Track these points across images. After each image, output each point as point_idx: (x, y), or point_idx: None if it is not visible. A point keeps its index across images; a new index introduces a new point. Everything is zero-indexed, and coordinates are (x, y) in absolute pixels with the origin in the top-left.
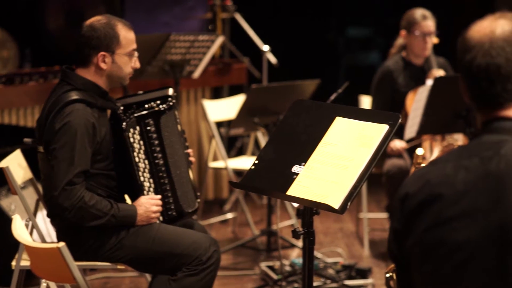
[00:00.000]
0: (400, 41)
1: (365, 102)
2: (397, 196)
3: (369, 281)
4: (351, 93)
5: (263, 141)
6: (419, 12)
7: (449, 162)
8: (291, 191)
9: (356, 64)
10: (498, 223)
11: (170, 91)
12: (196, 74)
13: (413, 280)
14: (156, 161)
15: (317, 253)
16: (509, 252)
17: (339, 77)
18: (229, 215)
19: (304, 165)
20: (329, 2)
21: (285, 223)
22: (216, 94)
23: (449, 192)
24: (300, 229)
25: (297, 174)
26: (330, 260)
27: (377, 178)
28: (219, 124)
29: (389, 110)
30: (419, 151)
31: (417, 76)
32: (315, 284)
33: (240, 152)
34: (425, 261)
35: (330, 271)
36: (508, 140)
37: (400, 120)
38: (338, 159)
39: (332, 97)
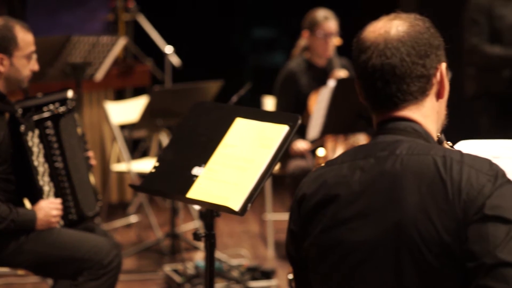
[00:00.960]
0: (302, 42)
1: (270, 103)
2: (295, 198)
3: (273, 282)
4: (257, 94)
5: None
6: (321, 13)
7: (345, 163)
8: (191, 194)
9: (261, 65)
10: (394, 223)
11: (70, 94)
12: (99, 76)
13: (311, 281)
14: (56, 165)
15: (221, 255)
16: (404, 252)
17: (244, 78)
18: (133, 219)
19: (204, 167)
20: (233, 3)
21: (190, 226)
22: (119, 96)
23: (345, 192)
24: (202, 231)
25: (197, 176)
26: (234, 262)
27: (282, 179)
28: (123, 127)
29: (293, 111)
30: (320, 152)
31: (320, 77)
32: (219, 286)
33: (144, 154)
34: (322, 262)
35: (235, 273)
36: (404, 140)
37: (299, 121)
38: (238, 161)
39: (234, 98)
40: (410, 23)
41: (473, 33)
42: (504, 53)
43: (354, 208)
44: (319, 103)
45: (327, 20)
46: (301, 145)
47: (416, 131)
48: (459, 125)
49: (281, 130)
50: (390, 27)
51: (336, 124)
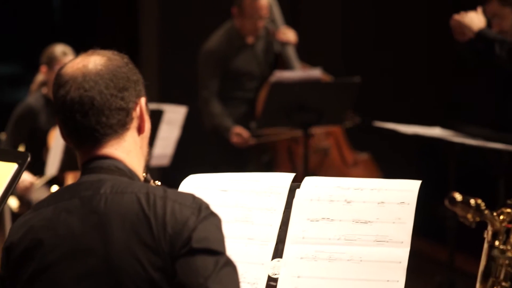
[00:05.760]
0: (40, 77)
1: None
2: (4, 245)
3: None
4: None
5: None
6: (59, 48)
7: (51, 206)
8: None
9: (4, 102)
10: (103, 262)
11: None
12: None
13: None
14: None
15: None
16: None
17: None
18: None
19: None
20: None
21: None
22: None
23: (51, 235)
24: None
25: None
26: None
27: None
28: None
29: (30, 148)
30: (54, 189)
31: None
32: None
33: None
34: None
35: None
36: (107, 179)
37: (29, 159)
38: None
39: None
40: (108, 58)
41: (205, 84)
42: (218, 119)
43: (61, 250)
44: (57, 139)
45: (66, 56)
46: (28, 181)
47: (119, 169)
48: (191, 159)
49: (10, 168)
50: (88, 62)
51: (71, 160)
